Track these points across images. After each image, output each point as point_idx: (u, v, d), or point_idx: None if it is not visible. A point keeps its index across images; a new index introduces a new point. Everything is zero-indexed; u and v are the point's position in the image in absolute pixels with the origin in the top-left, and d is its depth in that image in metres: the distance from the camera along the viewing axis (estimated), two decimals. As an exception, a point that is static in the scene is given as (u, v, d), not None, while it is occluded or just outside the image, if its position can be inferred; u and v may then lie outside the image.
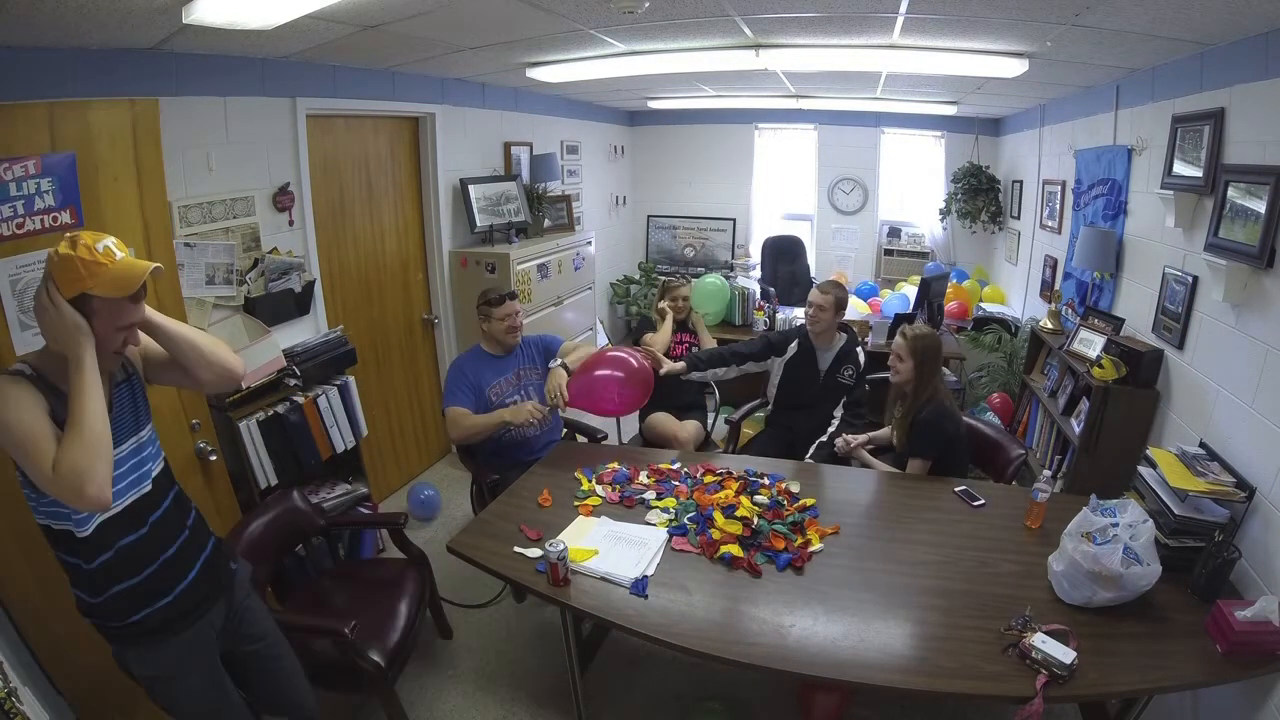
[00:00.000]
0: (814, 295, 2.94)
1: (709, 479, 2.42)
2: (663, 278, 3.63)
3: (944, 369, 2.92)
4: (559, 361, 2.80)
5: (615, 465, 2.53)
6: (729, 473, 2.44)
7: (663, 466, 2.52)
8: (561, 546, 1.86)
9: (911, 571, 1.93)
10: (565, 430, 3.11)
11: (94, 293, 1.28)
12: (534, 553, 2.01)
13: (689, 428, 3.18)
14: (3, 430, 1.21)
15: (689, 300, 3.59)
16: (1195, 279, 2.33)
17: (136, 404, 1.49)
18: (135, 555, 1.42)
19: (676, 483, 2.41)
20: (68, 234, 1.30)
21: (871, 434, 2.82)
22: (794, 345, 3.04)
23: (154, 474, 1.48)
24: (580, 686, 2.18)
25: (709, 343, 3.52)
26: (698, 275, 6.37)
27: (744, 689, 2.37)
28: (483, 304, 2.81)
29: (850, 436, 2.73)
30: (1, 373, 1.29)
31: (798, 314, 4.39)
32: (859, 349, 3.01)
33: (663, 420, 3.17)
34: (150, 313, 1.41)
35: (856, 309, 4.82)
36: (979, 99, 4.36)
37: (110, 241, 1.31)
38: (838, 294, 2.93)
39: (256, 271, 2.75)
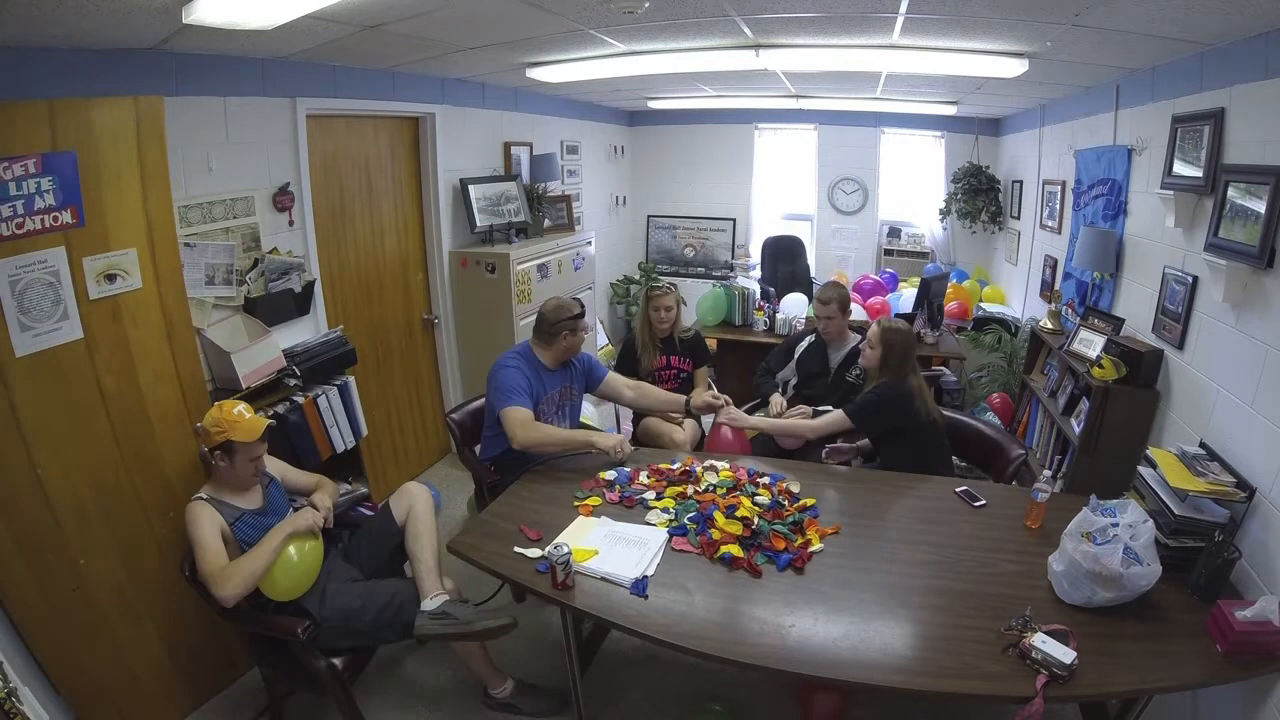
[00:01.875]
0: (817, 309, 3.01)
1: (722, 475, 2.42)
2: (651, 283, 3.25)
3: (923, 367, 2.99)
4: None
5: (608, 474, 2.49)
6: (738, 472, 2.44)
7: (662, 466, 2.52)
8: (566, 551, 1.85)
9: (912, 571, 1.93)
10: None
11: (233, 439, 1.97)
12: (534, 553, 2.00)
13: (686, 428, 3.18)
14: (192, 531, 1.93)
15: (673, 310, 3.25)
16: (1195, 279, 2.33)
17: (280, 494, 2.22)
18: None
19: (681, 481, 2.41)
20: (216, 404, 2.06)
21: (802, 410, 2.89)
22: (810, 337, 3.15)
23: None
24: (580, 686, 2.18)
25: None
26: (696, 276, 6.47)
27: (744, 689, 2.37)
28: (566, 319, 2.58)
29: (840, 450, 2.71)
30: (194, 499, 1.99)
31: (798, 314, 4.39)
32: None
33: (658, 423, 3.16)
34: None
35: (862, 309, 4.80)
36: (979, 99, 4.36)
37: (242, 406, 2.04)
38: (839, 296, 2.98)
39: (256, 271, 2.75)
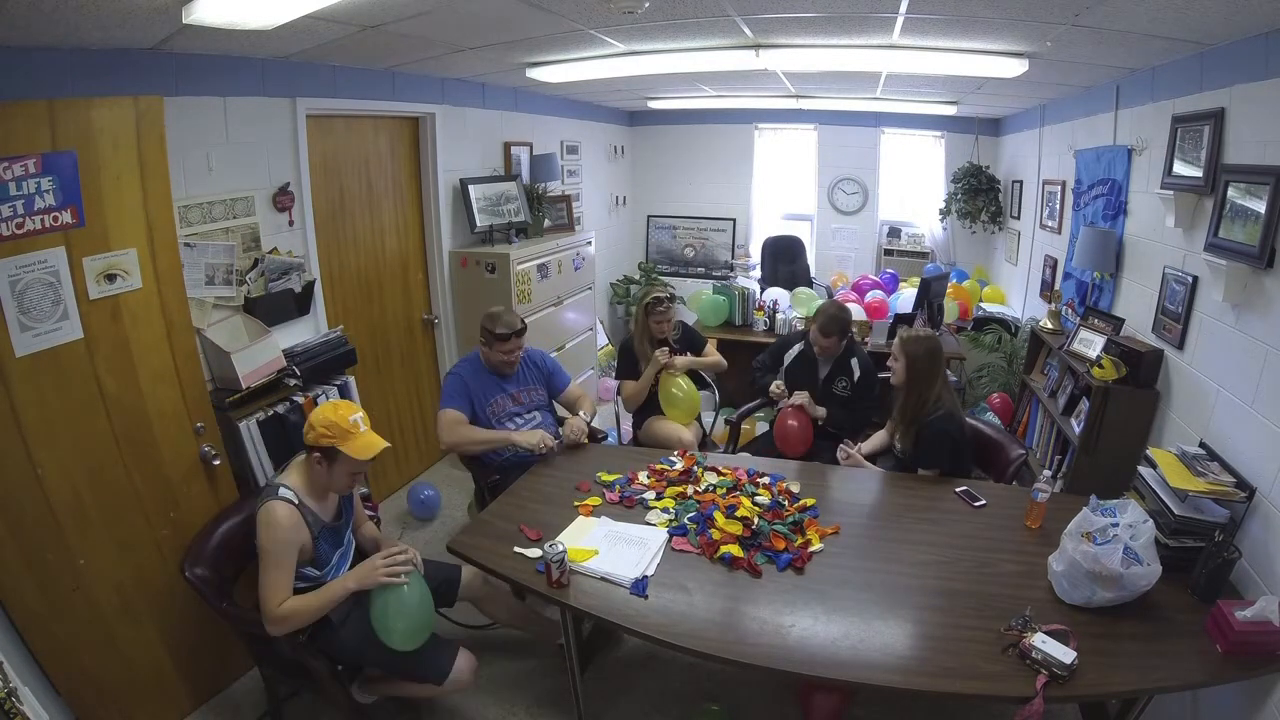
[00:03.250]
0: (816, 337, 2.93)
1: (721, 476, 2.42)
2: (652, 296, 3.18)
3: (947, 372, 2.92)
4: (585, 416, 2.79)
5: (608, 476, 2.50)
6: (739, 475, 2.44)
7: (659, 467, 2.52)
8: (560, 549, 1.85)
9: (912, 571, 1.93)
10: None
11: (345, 452, 1.80)
12: (534, 553, 2.01)
13: (691, 430, 3.17)
14: (269, 544, 1.78)
15: (673, 320, 3.22)
16: (1195, 279, 2.33)
17: (349, 511, 2.08)
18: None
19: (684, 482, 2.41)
20: (330, 402, 1.97)
21: (867, 443, 2.80)
22: (799, 346, 3.11)
23: (353, 552, 2.11)
24: (580, 686, 2.18)
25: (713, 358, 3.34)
26: (696, 276, 6.47)
27: (744, 689, 2.37)
28: (485, 330, 2.67)
29: (848, 447, 2.69)
30: (278, 495, 1.81)
31: (797, 314, 4.39)
32: (854, 359, 2.99)
33: (664, 424, 3.16)
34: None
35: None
36: (979, 99, 4.36)
37: (358, 415, 1.86)
38: (840, 327, 2.91)
39: (256, 271, 2.75)
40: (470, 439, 2.62)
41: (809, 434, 2.86)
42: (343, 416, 1.83)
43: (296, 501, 1.83)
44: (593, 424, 2.86)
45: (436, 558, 2.26)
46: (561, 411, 3.00)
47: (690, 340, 3.35)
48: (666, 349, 3.11)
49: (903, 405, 2.54)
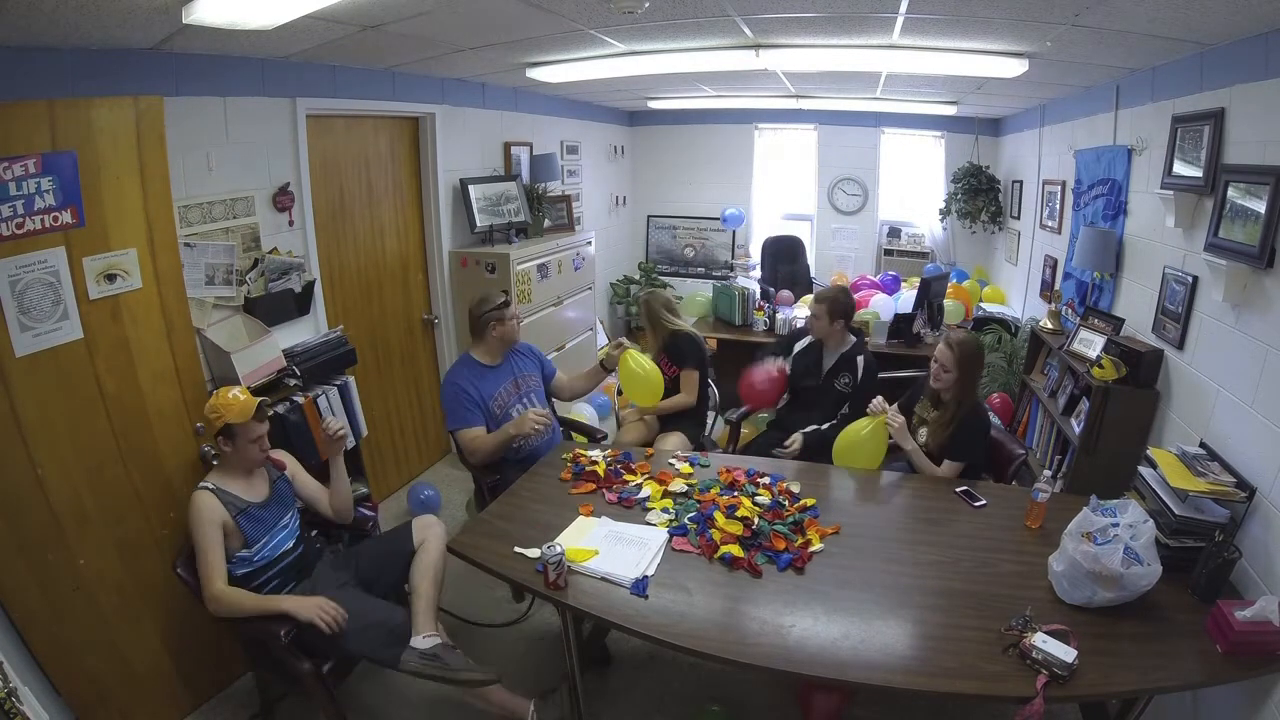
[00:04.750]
0: (810, 304, 3.01)
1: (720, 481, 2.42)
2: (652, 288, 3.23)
3: (923, 367, 2.93)
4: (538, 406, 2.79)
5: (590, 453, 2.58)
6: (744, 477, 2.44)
7: (663, 474, 2.51)
8: (559, 550, 1.85)
9: (912, 572, 1.93)
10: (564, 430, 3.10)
11: (230, 422, 1.99)
12: (534, 552, 2.00)
13: (670, 440, 3.08)
14: (193, 529, 1.98)
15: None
16: (1195, 279, 2.33)
17: (288, 491, 2.25)
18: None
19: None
20: (214, 392, 2.09)
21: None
22: (808, 338, 3.15)
23: (296, 534, 2.23)
24: (580, 686, 2.17)
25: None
26: (696, 276, 6.47)
27: (744, 689, 2.37)
28: (490, 310, 2.69)
29: (894, 414, 2.55)
30: (199, 487, 2.02)
31: (797, 314, 4.39)
32: (860, 357, 3.01)
33: (635, 430, 3.19)
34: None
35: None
36: (979, 99, 4.36)
37: (236, 390, 2.08)
38: (830, 300, 2.96)
39: (256, 271, 2.75)
40: (487, 449, 2.61)
41: (778, 389, 2.96)
42: (222, 396, 2.04)
43: (212, 488, 2.02)
44: (592, 424, 2.87)
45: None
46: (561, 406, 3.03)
47: (678, 352, 3.18)
48: (622, 340, 3.00)
49: (949, 402, 2.54)
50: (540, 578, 1.89)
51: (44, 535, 1.90)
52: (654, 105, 5.56)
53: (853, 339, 3.07)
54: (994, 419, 3.77)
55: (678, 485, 2.37)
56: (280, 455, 2.27)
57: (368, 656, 2.06)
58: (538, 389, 2.88)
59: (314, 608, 1.96)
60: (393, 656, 1.99)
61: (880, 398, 2.59)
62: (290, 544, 2.17)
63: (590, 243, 4.84)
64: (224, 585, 1.96)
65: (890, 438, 2.54)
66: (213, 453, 2.16)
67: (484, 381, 2.71)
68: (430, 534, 2.26)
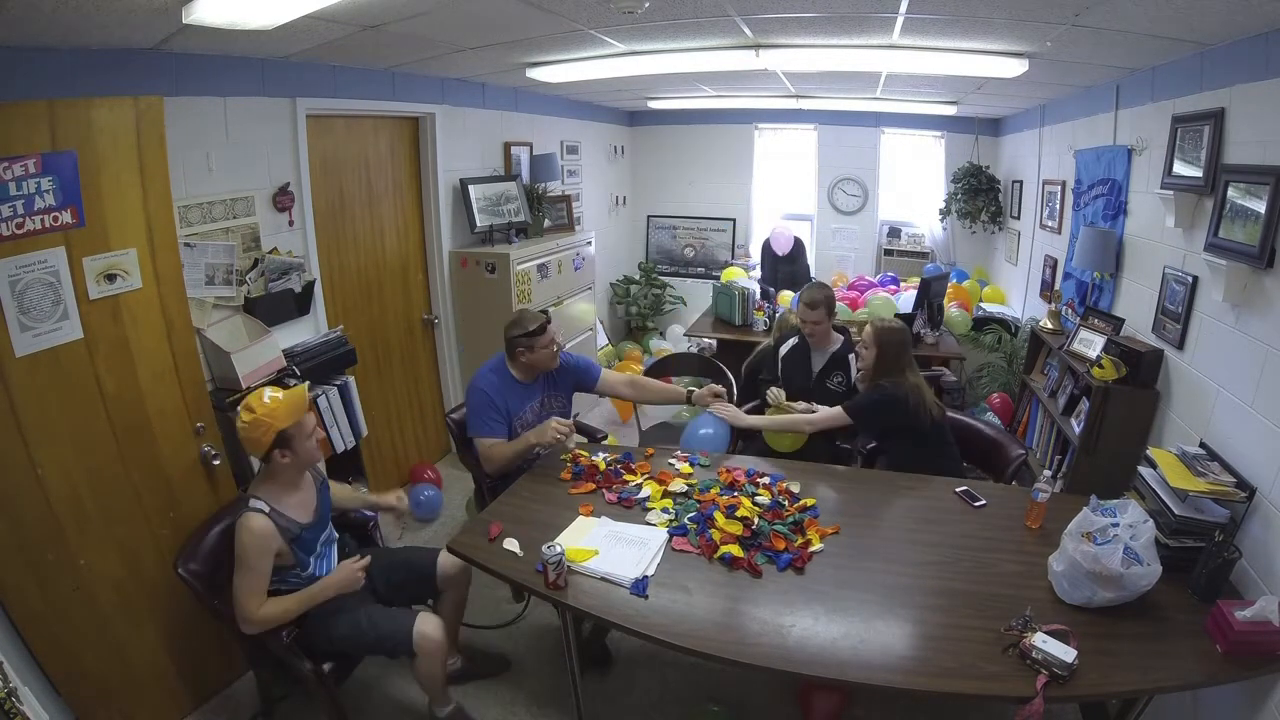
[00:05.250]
0: (803, 311, 2.94)
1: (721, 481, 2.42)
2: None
3: (923, 367, 2.97)
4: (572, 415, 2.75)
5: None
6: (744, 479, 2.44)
7: (663, 474, 2.51)
8: (558, 550, 1.85)
9: (912, 571, 1.93)
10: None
11: (284, 427, 1.84)
12: (510, 544, 2.04)
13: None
14: (243, 564, 1.85)
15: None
16: (1195, 279, 2.33)
17: (328, 502, 2.15)
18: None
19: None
20: (239, 407, 1.88)
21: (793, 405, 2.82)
22: (794, 339, 3.08)
23: (335, 542, 2.17)
24: (580, 686, 2.18)
25: None
26: (696, 276, 6.47)
27: (744, 689, 2.37)
28: (519, 335, 2.53)
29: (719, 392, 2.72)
30: (250, 507, 1.86)
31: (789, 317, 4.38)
32: (852, 355, 2.98)
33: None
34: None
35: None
36: (979, 99, 4.36)
37: (270, 391, 1.89)
38: (826, 298, 2.94)
39: (256, 271, 2.75)
40: (505, 458, 2.51)
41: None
42: (259, 404, 1.85)
43: (268, 510, 1.89)
44: (589, 423, 2.85)
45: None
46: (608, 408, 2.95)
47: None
48: (781, 391, 2.92)
49: (868, 380, 2.61)
50: (538, 577, 1.89)
51: (44, 535, 1.90)
52: (654, 105, 5.56)
53: (840, 338, 3.04)
54: (994, 418, 3.78)
55: (678, 485, 2.38)
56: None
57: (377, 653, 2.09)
58: (560, 411, 2.76)
59: (347, 577, 1.98)
60: (391, 653, 2.04)
61: (776, 389, 2.81)
62: (337, 557, 2.15)
63: (590, 243, 4.84)
64: (263, 611, 1.87)
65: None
66: (270, 459, 1.93)
67: (513, 397, 2.60)
68: (458, 586, 2.30)
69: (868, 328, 2.63)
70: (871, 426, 2.61)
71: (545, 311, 2.67)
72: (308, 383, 2.01)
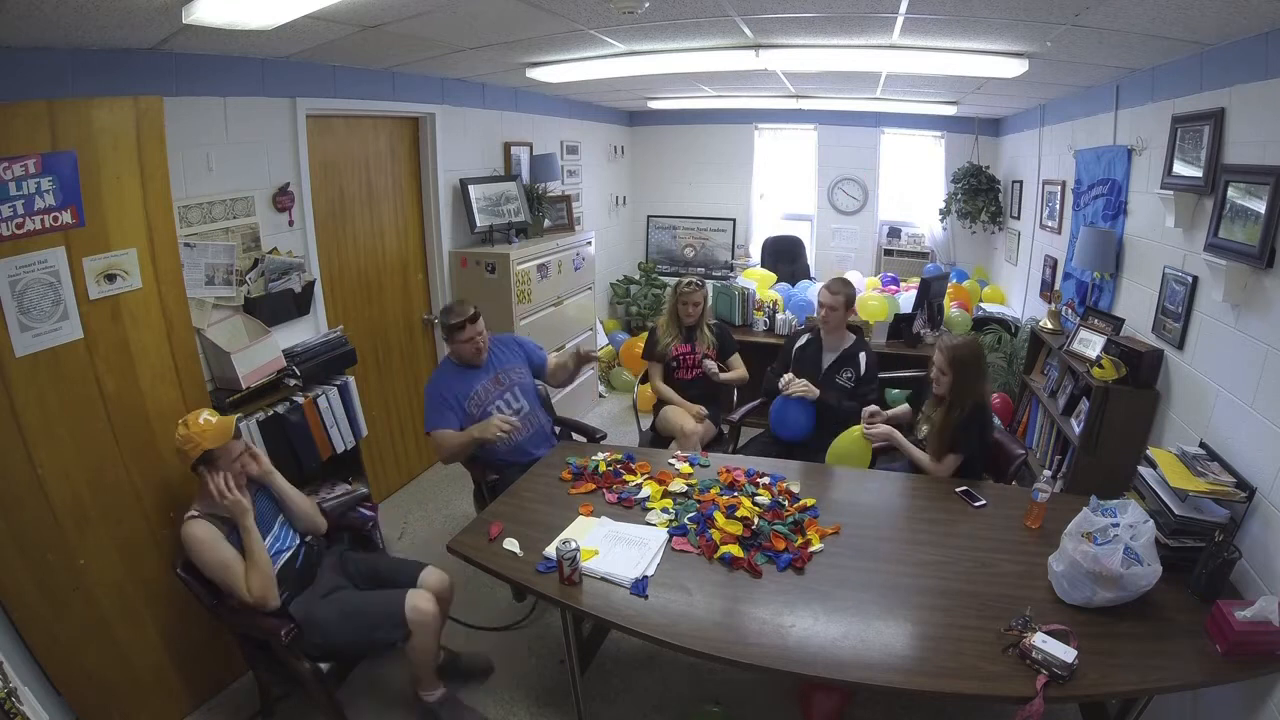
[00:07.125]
0: (824, 295, 3.01)
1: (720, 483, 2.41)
2: (684, 280, 3.29)
3: (923, 367, 2.95)
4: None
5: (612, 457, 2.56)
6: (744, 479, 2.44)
7: (663, 474, 2.51)
8: (574, 547, 1.86)
9: (912, 571, 1.93)
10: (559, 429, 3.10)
11: (209, 448, 1.93)
12: (512, 543, 2.05)
13: (699, 424, 3.14)
14: (209, 567, 1.94)
15: (700, 305, 3.29)
16: (1195, 279, 2.33)
17: (272, 501, 2.17)
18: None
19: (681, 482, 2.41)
20: (178, 420, 1.98)
21: (893, 413, 2.83)
22: (807, 335, 3.16)
23: (291, 544, 2.18)
24: (580, 686, 2.18)
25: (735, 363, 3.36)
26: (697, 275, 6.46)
27: (744, 689, 2.37)
28: (448, 324, 2.67)
29: (876, 420, 2.66)
30: (186, 519, 1.95)
31: (795, 316, 4.40)
32: (863, 353, 3.02)
33: (674, 412, 3.19)
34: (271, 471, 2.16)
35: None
36: (979, 99, 4.36)
37: (206, 414, 2.00)
38: (847, 291, 2.99)
39: (256, 272, 2.75)
40: (452, 449, 2.62)
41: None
42: (193, 423, 1.95)
43: (200, 513, 1.97)
44: (589, 423, 2.86)
45: (439, 560, 2.27)
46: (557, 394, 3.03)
47: (724, 340, 3.39)
48: (715, 363, 3.23)
49: (951, 403, 2.48)
50: (542, 578, 1.90)
51: (44, 535, 1.90)
52: (654, 105, 5.56)
53: (852, 336, 3.09)
54: (994, 419, 3.78)
55: (677, 485, 2.38)
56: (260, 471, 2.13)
57: (364, 654, 2.09)
58: (522, 381, 2.86)
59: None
60: (388, 644, 2.07)
61: (873, 407, 2.71)
62: (289, 553, 2.14)
63: (590, 243, 4.84)
64: (257, 587, 1.95)
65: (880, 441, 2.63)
66: (196, 474, 2.01)
67: (459, 382, 2.72)
68: (430, 603, 2.13)
69: (937, 354, 2.51)
70: (973, 447, 2.53)
71: (476, 309, 2.71)
72: (239, 414, 2.14)
